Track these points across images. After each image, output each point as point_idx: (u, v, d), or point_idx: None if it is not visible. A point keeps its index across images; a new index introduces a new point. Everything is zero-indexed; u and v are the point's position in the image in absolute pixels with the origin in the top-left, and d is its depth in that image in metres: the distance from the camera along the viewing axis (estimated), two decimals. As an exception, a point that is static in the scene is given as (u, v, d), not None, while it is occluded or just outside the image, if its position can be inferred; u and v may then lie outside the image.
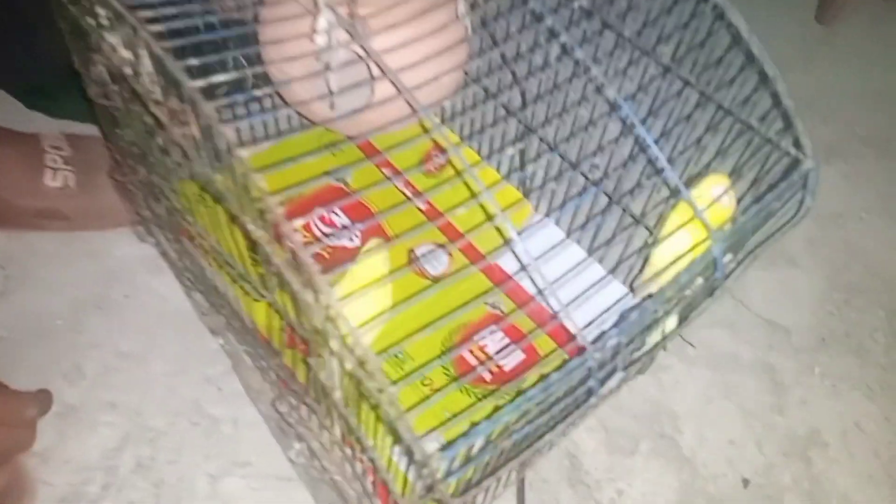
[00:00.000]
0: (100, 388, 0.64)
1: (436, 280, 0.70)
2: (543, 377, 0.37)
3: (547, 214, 0.74)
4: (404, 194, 0.76)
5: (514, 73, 0.56)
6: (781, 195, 0.43)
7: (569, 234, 0.73)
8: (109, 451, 0.61)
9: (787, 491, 0.67)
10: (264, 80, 0.55)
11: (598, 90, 0.43)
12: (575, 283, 0.65)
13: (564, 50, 0.42)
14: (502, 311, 0.69)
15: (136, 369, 0.66)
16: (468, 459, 0.34)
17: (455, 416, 0.63)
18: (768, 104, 0.45)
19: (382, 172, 0.77)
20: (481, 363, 0.65)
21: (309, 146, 0.77)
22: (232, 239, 0.48)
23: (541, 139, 0.70)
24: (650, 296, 0.39)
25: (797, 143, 0.43)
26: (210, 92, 0.34)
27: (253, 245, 0.38)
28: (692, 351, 0.76)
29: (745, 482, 0.67)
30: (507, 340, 0.67)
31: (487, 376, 0.65)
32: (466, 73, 0.66)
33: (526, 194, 0.75)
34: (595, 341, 0.38)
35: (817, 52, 1.14)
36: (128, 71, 0.43)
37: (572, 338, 0.36)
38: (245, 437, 0.63)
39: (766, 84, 0.43)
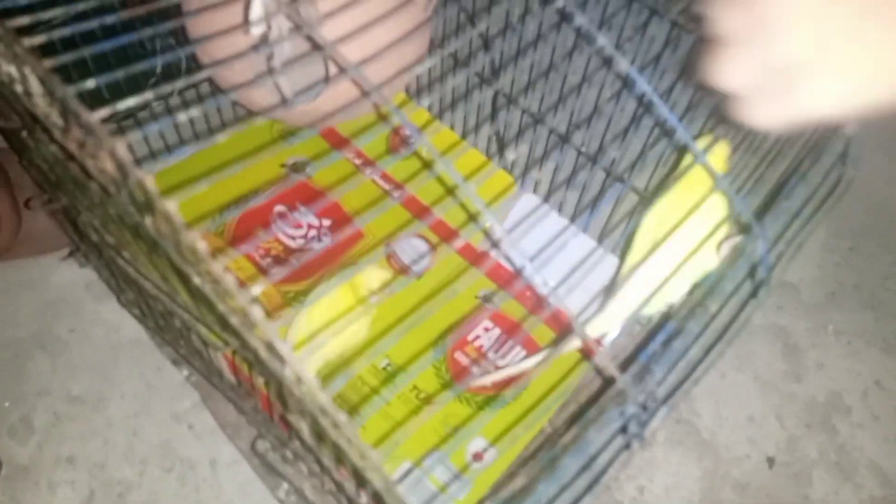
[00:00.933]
0: (53, 441, 0.57)
1: (418, 276, 0.63)
2: (577, 426, 0.31)
3: (535, 191, 0.67)
4: (375, 183, 0.68)
5: (485, 41, 0.48)
6: (824, 169, 0.37)
7: (562, 211, 0.66)
8: (73, 514, 0.54)
9: (815, 466, 0.63)
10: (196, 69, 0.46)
11: (606, 63, 0.35)
12: (568, 260, 0.59)
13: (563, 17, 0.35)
14: (495, 304, 0.62)
15: (93, 415, 0.58)
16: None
17: (456, 429, 0.58)
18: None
19: (346, 158, 0.69)
20: (476, 363, 0.59)
21: (260, 138, 0.69)
22: (179, 281, 0.40)
23: (523, 111, 0.62)
24: (687, 313, 0.33)
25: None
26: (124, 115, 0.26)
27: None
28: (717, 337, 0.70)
29: (770, 461, 0.63)
30: (503, 335, 0.61)
31: (488, 381, 0.59)
32: (434, 43, 0.57)
33: (513, 172, 0.69)
34: (631, 372, 0.32)
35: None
36: (18, 89, 0.34)
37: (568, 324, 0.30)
38: (226, 480, 0.56)
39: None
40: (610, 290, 0.54)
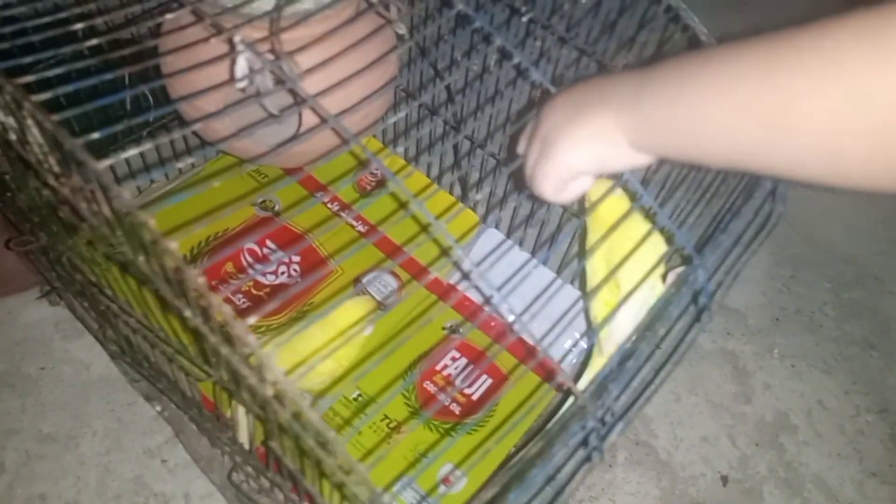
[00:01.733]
0: (24, 480, 0.57)
1: (390, 311, 0.66)
2: (542, 440, 0.33)
3: (498, 228, 0.70)
4: (340, 216, 0.70)
5: (449, 94, 0.52)
6: (756, 205, 0.41)
7: (522, 245, 0.70)
8: (44, 553, 0.54)
9: (765, 482, 0.66)
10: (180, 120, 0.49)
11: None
12: (530, 291, 0.62)
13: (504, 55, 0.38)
14: (461, 334, 0.65)
15: (64, 453, 0.58)
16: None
17: (424, 455, 0.60)
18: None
19: (315, 197, 0.72)
20: (444, 390, 0.62)
21: (242, 183, 0.71)
22: (163, 315, 0.42)
23: (488, 155, 0.66)
24: (636, 337, 0.36)
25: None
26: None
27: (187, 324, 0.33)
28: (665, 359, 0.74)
29: (724, 479, 0.66)
30: (469, 364, 0.63)
31: (455, 409, 0.61)
32: (406, 93, 0.61)
33: (479, 212, 0.72)
34: (590, 389, 0.35)
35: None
36: (12, 137, 0.36)
37: (533, 351, 0.33)
38: (199, 514, 0.57)
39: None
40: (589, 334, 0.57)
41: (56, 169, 0.33)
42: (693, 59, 0.30)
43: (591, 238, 0.45)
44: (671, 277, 0.42)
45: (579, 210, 0.47)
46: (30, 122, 0.31)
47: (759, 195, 0.40)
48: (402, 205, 0.68)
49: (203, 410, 0.49)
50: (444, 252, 0.66)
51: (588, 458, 0.34)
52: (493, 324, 0.66)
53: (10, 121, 0.34)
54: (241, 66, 0.36)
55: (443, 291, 0.67)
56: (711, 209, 0.43)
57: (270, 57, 0.38)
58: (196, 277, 0.26)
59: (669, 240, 0.41)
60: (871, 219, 0.90)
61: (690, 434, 0.69)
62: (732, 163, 0.30)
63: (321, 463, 0.30)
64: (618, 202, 0.43)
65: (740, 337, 0.77)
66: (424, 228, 0.65)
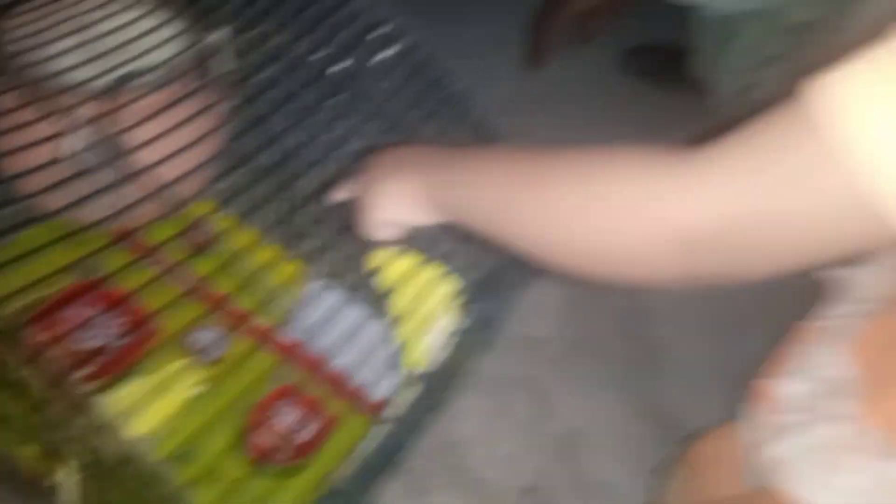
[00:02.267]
0: None
1: (214, 361, 0.68)
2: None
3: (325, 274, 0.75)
4: (163, 273, 0.72)
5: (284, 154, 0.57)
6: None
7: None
8: None
9: (561, 492, 0.76)
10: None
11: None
12: (356, 340, 0.67)
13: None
14: (292, 383, 0.68)
15: None
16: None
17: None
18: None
19: (139, 257, 0.72)
20: (277, 445, 0.65)
21: (46, 238, 0.69)
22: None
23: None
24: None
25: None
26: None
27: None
28: (466, 382, 0.83)
29: (530, 491, 0.75)
30: (300, 412, 0.67)
31: (285, 456, 0.64)
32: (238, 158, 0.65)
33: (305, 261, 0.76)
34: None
35: (525, 100, 1.29)
36: None
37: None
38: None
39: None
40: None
41: None
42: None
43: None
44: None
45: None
46: None
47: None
48: (230, 259, 0.70)
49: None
50: (268, 300, 0.69)
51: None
52: (320, 368, 0.71)
53: None
54: (69, 144, 0.38)
55: (267, 340, 0.70)
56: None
57: (96, 133, 0.41)
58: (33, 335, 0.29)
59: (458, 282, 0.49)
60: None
61: (499, 453, 0.77)
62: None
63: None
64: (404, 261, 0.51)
65: (542, 363, 0.88)
66: (248, 281, 0.69)
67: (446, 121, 0.49)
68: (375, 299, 0.73)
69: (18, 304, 0.63)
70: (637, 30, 1.43)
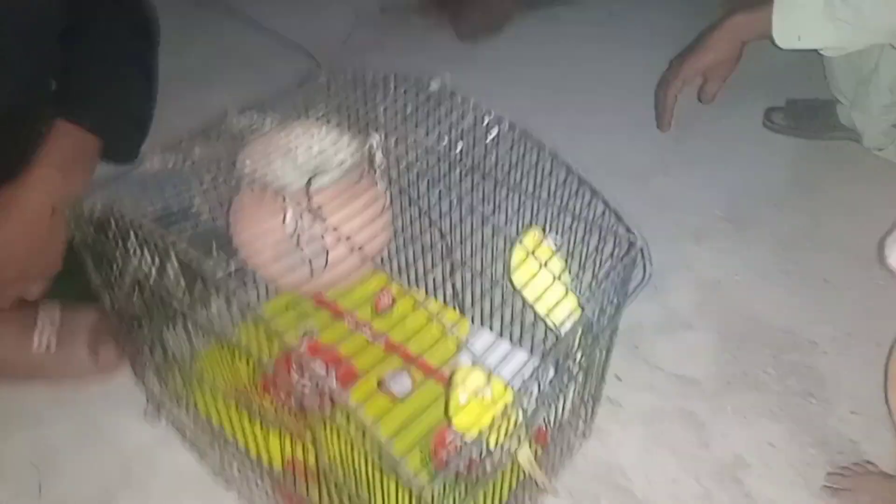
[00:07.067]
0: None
1: (402, 398, 0.85)
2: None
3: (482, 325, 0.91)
4: (367, 339, 0.92)
5: (440, 231, 0.75)
6: (626, 267, 0.62)
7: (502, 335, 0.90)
8: None
9: (727, 509, 0.81)
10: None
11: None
12: (509, 367, 0.81)
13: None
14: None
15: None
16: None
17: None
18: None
19: (346, 325, 0.94)
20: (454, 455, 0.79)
21: (282, 318, 0.93)
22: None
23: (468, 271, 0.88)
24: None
25: (628, 230, 0.62)
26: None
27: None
28: (625, 414, 0.91)
29: (692, 510, 0.81)
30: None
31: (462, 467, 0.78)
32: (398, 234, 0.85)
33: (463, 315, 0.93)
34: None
35: (670, 158, 1.40)
36: (153, 275, 0.59)
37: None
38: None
39: (596, 196, 0.63)
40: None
41: (182, 288, 0.56)
42: None
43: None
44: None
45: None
46: (168, 261, 0.54)
47: (632, 256, 0.61)
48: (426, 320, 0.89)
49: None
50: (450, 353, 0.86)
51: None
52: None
53: (155, 263, 0.57)
54: (289, 220, 0.59)
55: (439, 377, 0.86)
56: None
57: (308, 213, 0.62)
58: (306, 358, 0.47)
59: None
60: (801, 297, 1.09)
61: (661, 478, 0.84)
62: None
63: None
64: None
65: (697, 398, 0.94)
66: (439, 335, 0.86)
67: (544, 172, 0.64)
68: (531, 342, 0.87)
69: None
70: (776, 90, 1.49)
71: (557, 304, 0.61)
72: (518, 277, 0.64)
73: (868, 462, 0.84)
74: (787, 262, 1.15)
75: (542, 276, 0.62)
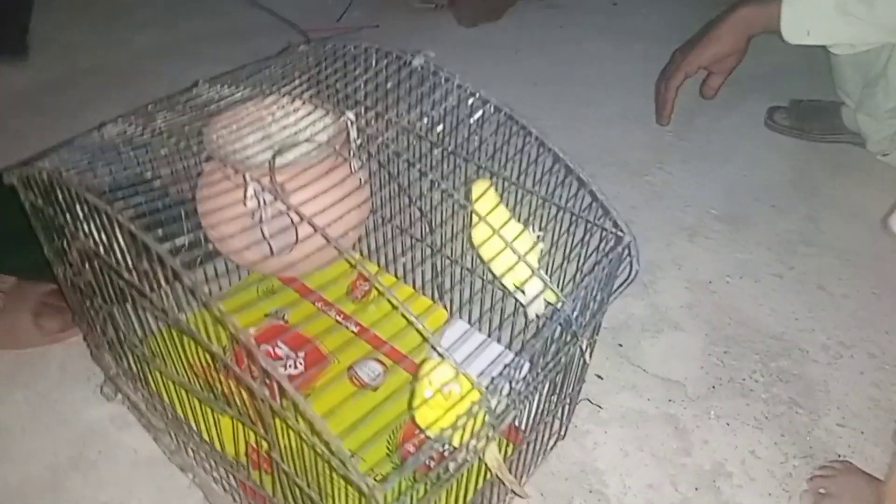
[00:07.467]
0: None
1: (374, 388, 0.81)
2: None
3: (460, 315, 0.87)
4: (336, 320, 0.88)
5: (420, 210, 0.71)
6: (611, 262, 0.58)
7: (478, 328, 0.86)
8: None
9: (703, 518, 0.77)
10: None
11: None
12: (481, 361, 0.77)
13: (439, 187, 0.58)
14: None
15: (116, 515, 0.73)
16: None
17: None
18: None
19: (316, 306, 0.90)
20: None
21: (249, 295, 0.89)
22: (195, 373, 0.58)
23: (447, 258, 0.84)
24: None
25: (615, 225, 0.58)
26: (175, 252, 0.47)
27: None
28: (605, 414, 0.88)
29: (667, 518, 0.77)
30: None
31: (431, 462, 0.75)
32: (374, 213, 0.81)
33: (440, 301, 0.89)
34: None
35: (668, 152, 1.36)
36: (101, 249, 0.55)
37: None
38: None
39: (584, 186, 0.59)
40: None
41: (131, 265, 0.52)
42: None
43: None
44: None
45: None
46: (118, 232, 0.50)
47: (618, 252, 0.57)
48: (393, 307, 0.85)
49: (224, 456, 0.64)
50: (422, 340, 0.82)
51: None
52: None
53: (104, 236, 0.53)
54: (251, 190, 0.55)
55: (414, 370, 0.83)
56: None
57: (270, 189, 0.58)
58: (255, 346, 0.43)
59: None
60: (794, 303, 1.05)
61: (638, 483, 0.80)
62: None
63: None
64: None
65: (680, 403, 0.90)
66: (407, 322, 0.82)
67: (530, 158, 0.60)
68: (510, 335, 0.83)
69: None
70: (780, 89, 1.45)
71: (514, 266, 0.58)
72: (477, 235, 0.60)
73: (848, 461, 0.81)
74: (781, 265, 1.12)
75: (498, 237, 0.59)
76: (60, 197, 0.55)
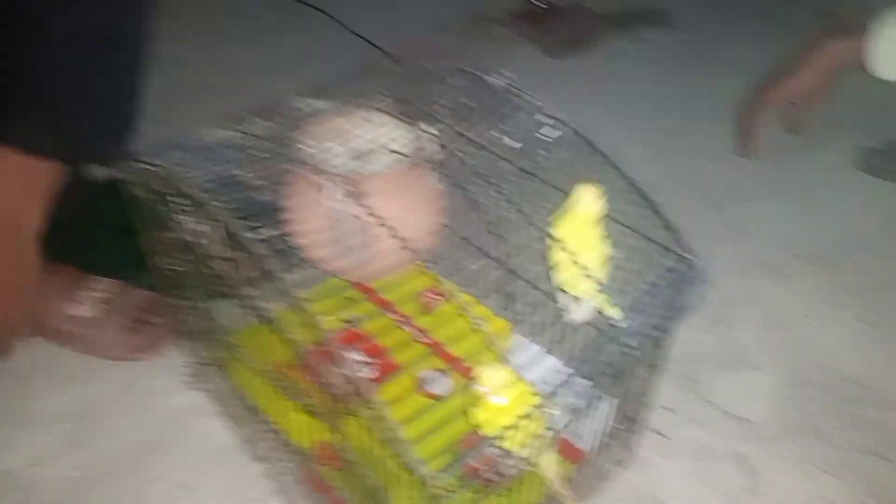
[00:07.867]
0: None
1: (441, 399, 0.83)
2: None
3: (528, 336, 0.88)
4: (409, 334, 0.91)
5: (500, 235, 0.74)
6: (678, 285, 0.58)
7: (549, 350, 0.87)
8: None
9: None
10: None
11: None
12: (539, 371, 0.78)
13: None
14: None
15: (189, 498, 0.77)
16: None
17: None
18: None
19: (391, 317, 0.93)
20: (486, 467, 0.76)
21: (330, 302, 0.93)
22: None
23: (521, 278, 0.86)
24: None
25: (685, 248, 0.59)
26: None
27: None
28: (672, 447, 0.86)
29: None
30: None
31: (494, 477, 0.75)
32: (448, 227, 0.83)
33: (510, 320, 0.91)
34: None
35: (751, 187, 1.33)
36: (201, 240, 0.60)
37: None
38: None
39: (657, 212, 0.59)
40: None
41: (228, 255, 0.56)
42: None
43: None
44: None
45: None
46: (216, 226, 0.54)
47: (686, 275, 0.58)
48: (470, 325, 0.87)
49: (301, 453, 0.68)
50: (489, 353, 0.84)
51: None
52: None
53: (205, 228, 0.57)
54: (331, 203, 0.59)
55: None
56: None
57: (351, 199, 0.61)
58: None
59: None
60: (881, 352, 1.01)
61: (703, 519, 0.79)
62: None
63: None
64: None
65: (751, 441, 0.88)
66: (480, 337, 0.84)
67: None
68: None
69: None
70: (873, 129, 1.41)
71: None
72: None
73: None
74: (867, 311, 1.07)
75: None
76: (167, 192, 0.60)
